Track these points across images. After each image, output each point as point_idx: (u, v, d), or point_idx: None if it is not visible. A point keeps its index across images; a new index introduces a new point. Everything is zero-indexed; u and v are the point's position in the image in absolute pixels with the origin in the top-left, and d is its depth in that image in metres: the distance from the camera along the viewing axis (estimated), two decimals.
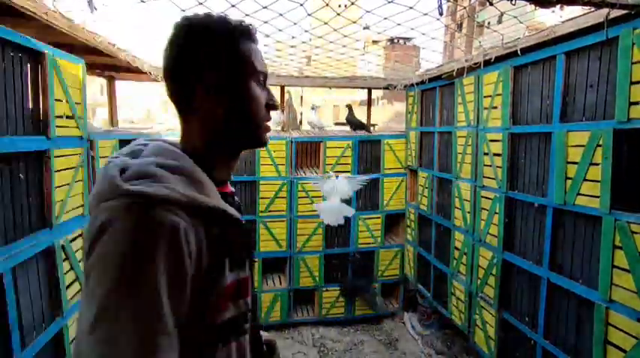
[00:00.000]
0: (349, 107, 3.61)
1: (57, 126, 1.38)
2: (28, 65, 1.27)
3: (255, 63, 0.54)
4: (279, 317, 3.12)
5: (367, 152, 3.15)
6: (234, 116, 0.53)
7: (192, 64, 0.52)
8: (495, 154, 2.07)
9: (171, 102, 0.56)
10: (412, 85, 3.07)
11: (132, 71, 2.97)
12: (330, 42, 2.50)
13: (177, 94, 0.53)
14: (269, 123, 0.57)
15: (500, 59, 2.01)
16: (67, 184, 1.45)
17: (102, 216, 0.41)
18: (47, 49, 1.32)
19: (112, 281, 0.38)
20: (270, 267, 3.31)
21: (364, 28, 2.54)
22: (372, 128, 4.86)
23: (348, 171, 3.07)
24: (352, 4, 1.68)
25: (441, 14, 1.38)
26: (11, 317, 1.12)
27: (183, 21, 0.54)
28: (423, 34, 2.19)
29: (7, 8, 1.32)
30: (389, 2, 1.58)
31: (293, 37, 2.26)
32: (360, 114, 3.94)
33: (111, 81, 3.40)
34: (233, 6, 1.59)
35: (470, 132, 2.30)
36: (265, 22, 1.84)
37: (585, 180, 1.52)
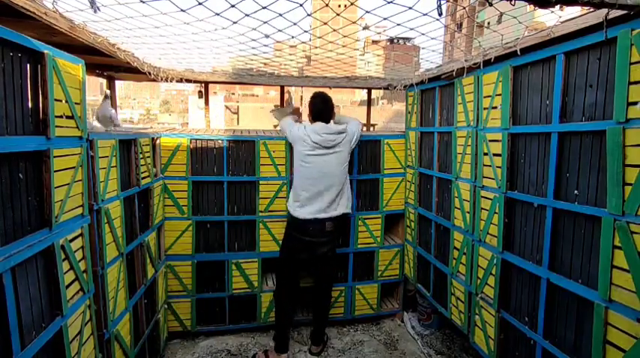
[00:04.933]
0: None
1: (57, 126, 1.38)
2: (28, 65, 1.27)
3: None
4: None
5: (367, 152, 3.15)
6: None
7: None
8: (495, 154, 2.07)
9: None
10: (412, 85, 3.07)
11: (131, 71, 2.98)
12: (330, 42, 2.51)
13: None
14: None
15: (499, 59, 2.01)
16: (67, 184, 1.45)
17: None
18: (47, 49, 1.32)
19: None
20: (270, 267, 3.31)
21: (364, 28, 2.54)
22: (372, 128, 4.85)
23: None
24: (352, 4, 1.68)
25: (440, 14, 1.38)
26: (11, 317, 1.12)
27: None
28: (423, 34, 2.19)
29: (7, 8, 1.32)
30: (389, 2, 1.59)
31: (292, 37, 2.26)
32: (360, 115, 3.94)
33: (111, 81, 3.41)
34: (233, 6, 1.59)
35: (469, 132, 2.31)
36: (265, 22, 1.84)
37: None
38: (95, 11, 1.60)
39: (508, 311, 2.04)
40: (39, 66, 1.31)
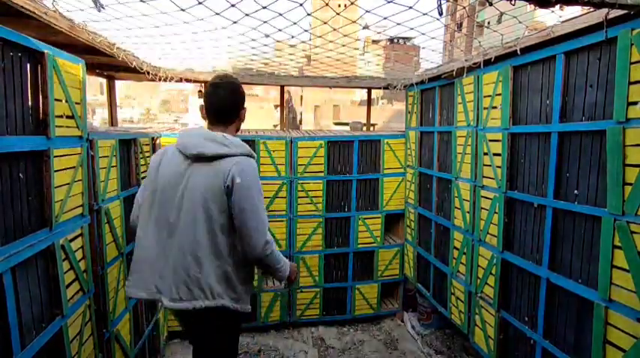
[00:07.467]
0: None
1: (57, 126, 1.38)
2: (28, 65, 1.27)
3: None
4: (278, 317, 3.12)
5: (367, 152, 3.15)
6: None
7: (242, 101, 1.54)
8: (495, 154, 2.07)
9: (223, 115, 1.47)
10: (412, 84, 3.07)
11: (131, 71, 2.97)
12: (330, 42, 2.51)
13: (233, 112, 1.50)
14: None
15: (499, 59, 2.01)
16: (67, 184, 1.45)
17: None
18: (47, 49, 1.32)
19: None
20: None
21: (364, 28, 2.54)
22: (372, 128, 4.85)
23: (322, 172, 3.07)
24: (352, 3, 1.68)
25: (440, 14, 1.37)
26: (11, 317, 1.12)
27: (235, 81, 1.55)
28: (423, 34, 2.19)
29: (7, 8, 1.32)
30: (389, 2, 1.59)
31: (292, 37, 2.26)
32: (360, 114, 3.94)
33: (111, 81, 3.40)
34: (233, 5, 1.59)
35: (469, 131, 2.31)
36: (265, 22, 1.84)
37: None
38: (99, 10, 1.60)
39: (508, 311, 2.04)
40: (39, 65, 1.31)
